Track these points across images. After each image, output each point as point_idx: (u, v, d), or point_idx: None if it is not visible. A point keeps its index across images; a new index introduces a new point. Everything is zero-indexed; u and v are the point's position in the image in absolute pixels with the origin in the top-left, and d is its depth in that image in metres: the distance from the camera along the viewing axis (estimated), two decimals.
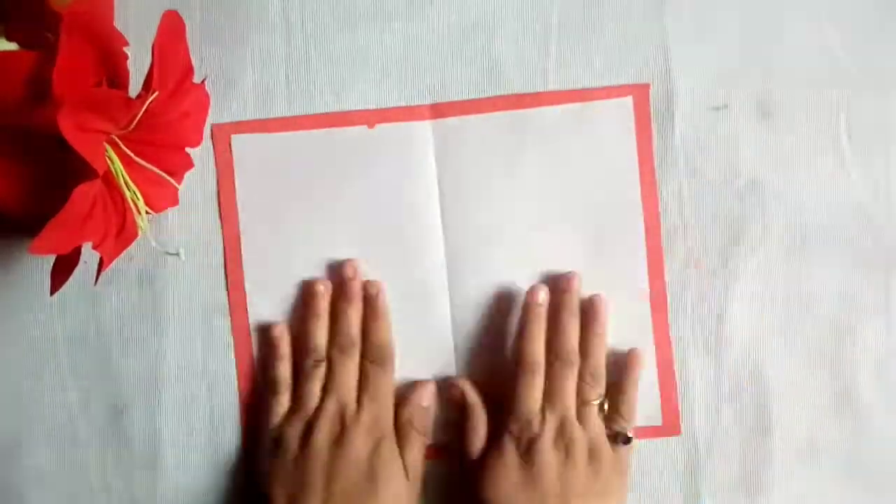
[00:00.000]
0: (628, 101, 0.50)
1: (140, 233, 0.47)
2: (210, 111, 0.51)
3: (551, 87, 0.50)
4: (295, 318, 0.51)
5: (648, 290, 0.50)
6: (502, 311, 0.51)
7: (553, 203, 0.50)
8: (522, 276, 0.50)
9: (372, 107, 0.51)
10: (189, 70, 0.46)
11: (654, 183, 0.50)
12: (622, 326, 0.50)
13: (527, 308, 0.49)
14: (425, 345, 0.51)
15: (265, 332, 0.50)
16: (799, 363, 0.50)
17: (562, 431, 0.47)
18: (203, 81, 0.49)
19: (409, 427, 0.49)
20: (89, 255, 0.45)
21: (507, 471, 0.46)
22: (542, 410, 0.47)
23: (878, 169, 0.50)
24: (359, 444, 0.47)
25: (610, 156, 0.50)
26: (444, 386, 0.51)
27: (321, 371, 0.49)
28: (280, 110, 0.51)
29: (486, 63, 0.51)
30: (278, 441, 0.48)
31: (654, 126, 0.50)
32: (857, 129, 0.50)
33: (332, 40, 0.51)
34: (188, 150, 0.50)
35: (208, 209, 0.51)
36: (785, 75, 0.50)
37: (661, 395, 0.50)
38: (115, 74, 0.43)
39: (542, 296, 0.49)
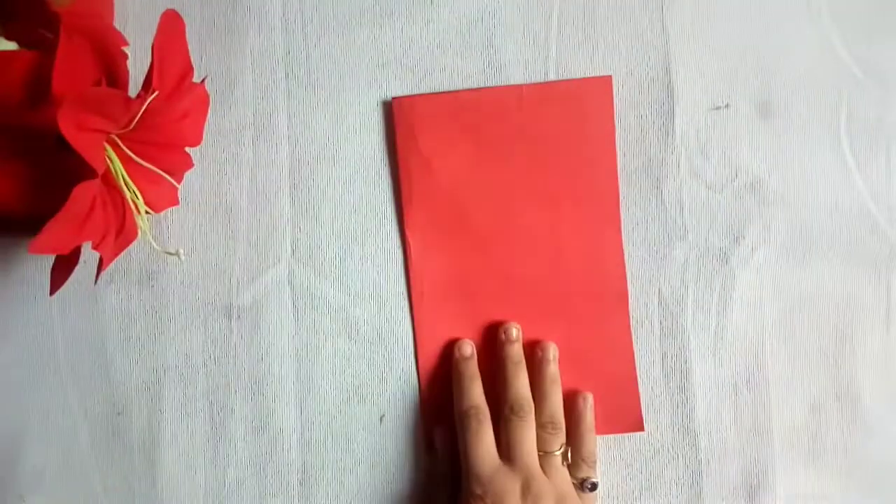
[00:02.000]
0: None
1: (140, 233, 0.47)
2: (210, 110, 0.51)
3: None
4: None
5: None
6: None
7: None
8: None
9: (374, 103, 0.52)
10: (189, 69, 0.46)
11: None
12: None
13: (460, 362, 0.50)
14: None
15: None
16: (800, 363, 0.51)
17: (528, 487, 0.45)
18: (203, 81, 0.49)
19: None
20: (89, 255, 0.45)
21: None
22: (504, 467, 0.46)
23: (878, 168, 0.51)
24: None
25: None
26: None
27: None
28: (280, 108, 0.51)
29: (486, 61, 0.51)
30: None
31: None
32: (858, 129, 0.51)
33: (331, 38, 0.52)
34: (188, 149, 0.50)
35: (208, 208, 0.52)
36: (785, 74, 0.51)
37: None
38: (115, 74, 0.43)
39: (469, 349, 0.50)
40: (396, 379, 0.51)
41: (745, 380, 0.50)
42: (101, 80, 0.42)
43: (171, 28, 0.43)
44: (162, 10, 0.45)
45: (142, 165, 0.45)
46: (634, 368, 0.51)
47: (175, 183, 0.49)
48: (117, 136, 0.43)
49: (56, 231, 0.39)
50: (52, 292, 0.45)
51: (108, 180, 0.44)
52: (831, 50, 0.51)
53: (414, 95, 0.51)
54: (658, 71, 0.51)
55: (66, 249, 0.41)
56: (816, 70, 0.51)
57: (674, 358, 0.51)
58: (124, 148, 0.44)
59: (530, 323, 0.51)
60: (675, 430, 0.50)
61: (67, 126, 0.37)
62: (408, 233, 0.51)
